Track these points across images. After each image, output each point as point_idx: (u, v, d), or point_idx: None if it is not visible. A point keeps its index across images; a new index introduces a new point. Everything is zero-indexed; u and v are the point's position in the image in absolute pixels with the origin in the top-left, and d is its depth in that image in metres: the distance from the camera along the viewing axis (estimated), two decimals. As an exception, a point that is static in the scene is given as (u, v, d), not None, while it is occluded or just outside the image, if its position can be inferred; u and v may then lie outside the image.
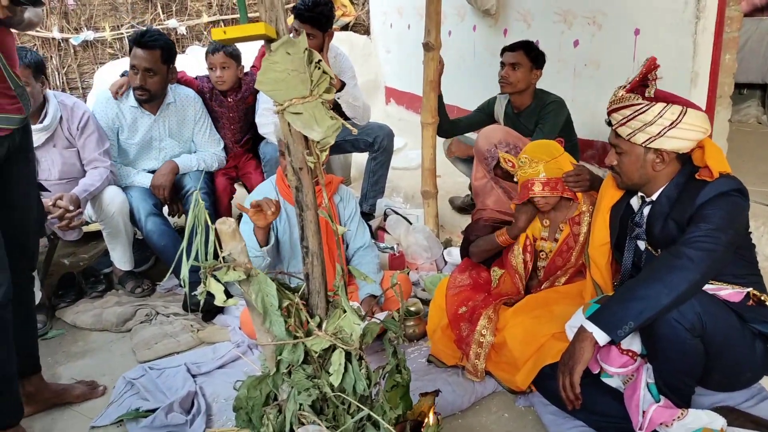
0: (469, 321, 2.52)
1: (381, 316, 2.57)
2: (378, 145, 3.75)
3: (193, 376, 2.58)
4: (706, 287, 1.98)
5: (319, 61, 1.38)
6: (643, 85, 2.02)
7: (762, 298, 2.05)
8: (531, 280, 2.71)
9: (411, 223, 3.58)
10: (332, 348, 1.49)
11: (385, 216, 3.70)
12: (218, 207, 3.55)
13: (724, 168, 1.97)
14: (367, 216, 3.84)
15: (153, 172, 3.46)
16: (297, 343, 1.46)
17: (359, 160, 4.71)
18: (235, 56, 3.55)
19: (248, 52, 3.74)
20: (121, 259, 3.33)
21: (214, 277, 1.33)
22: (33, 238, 2.29)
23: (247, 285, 1.39)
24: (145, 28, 3.34)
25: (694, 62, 2.90)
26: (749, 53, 4.43)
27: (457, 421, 2.27)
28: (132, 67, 3.26)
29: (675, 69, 2.96)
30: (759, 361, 2.03)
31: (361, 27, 6.26)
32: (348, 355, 1.51)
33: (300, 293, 1.49)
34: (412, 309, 2.89)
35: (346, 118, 3.76)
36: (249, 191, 3.59)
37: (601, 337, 1.87)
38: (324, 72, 1.39)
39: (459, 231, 3.68)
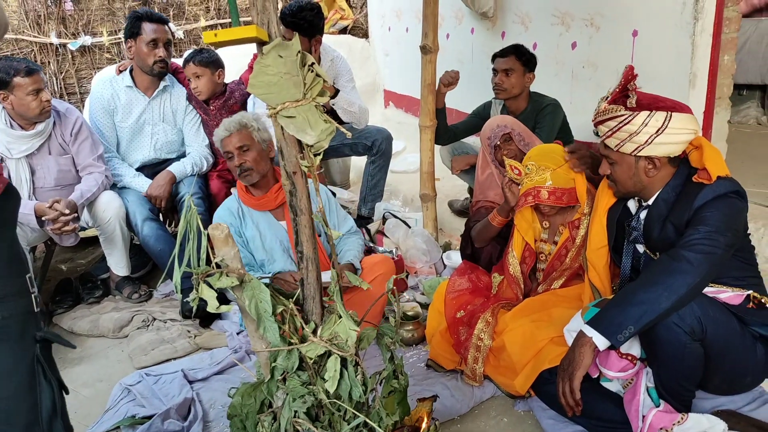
0: (467, 325, 2.51)
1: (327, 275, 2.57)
2: (376, 148, 3.73)
3: (190, 382, 2.56)
4: (706, 290, 1.96)
5: (312, 64, 1.37)
6: (624, 95, 2.01)
7: (762, 300, 2.03)
8: (531, 282, 2.70)
9: (410, 227, 3.57)
10: (328, 354, 1.47)
11: (384, 220, 3.69)
12: (214, 210, 3.53)
13: (722, 171, 1.96)
14: (366, 220, 3.82)
15: (145, 167, 3.48)
16: (292, 350, 1.44)
17: (358, 163, 4.70)
18: (209, 63, 3.45)
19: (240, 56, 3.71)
20: (117, 264, 3.31)
21: (207, 283, 1.31)
22: None
23: (240, 291, 1.37)
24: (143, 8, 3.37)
25: (693, 63, 2.88)
26: (748, 54, 4.41)
27: (456, 426, 2.25)
28: (153, 41, 3.29)
29: (673, 70, 2.94)
30: (760, 364, 2.01)
31: (360, 30, 6.25)
32: (344, 361, 1.49)
33: (294, 299, 1.48)
34: (410, 313, 2.87)
35: (343, 123, 3.75)
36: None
37: (601, 342, 1.86)
38: (317, 75, 1.37)
39: (458, 234, 3.66)
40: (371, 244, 3.49)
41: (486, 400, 2.39)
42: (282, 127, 1.37)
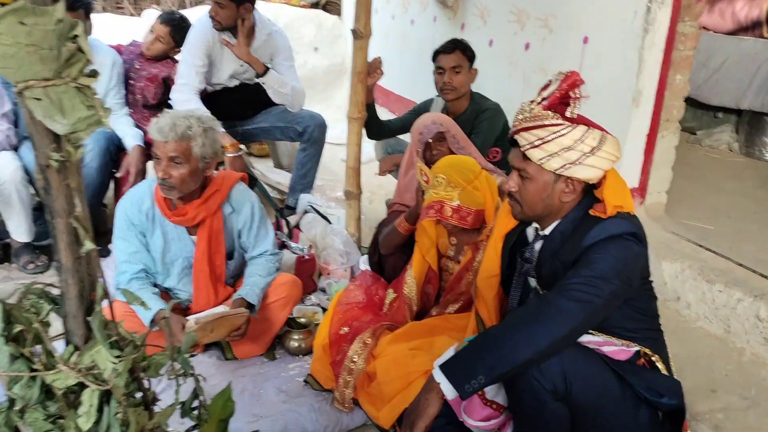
0: (350, 343, 2.28)
1: (218, 309, 2.31)
2: (308, 135, 3.47)
3: None
4: (590, 339, 1.73)
5: (76, 37, 1.11)
6: (564, 103, 1.72)
7: (653, 358, 1.79)
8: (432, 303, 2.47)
9: (330, 223, 3.32)
10: (84, 385, 1.23)
11: (305, 213, 3.43)
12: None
13: (622, 203, 1.70)
14: (292, 210, 3.58)
15: None
16: (35, 377, 1.20)
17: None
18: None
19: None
20: (17, 229, 3.07)
21: None
22: None
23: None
24: None
25: (639, 80, 2.60)
26: (725, 75, 4.11)
27: (315, 453, 2.04)
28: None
29: (618, 85, 2.67)
30: (643, 430, 1.77)
31: (335, 6, 5.92)
32: (108, 394, 1.25)
33: (43, 316, 1.23)
34: (302, 321, 2.64)
35: (274, 104, 3.50)
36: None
37: (449, 390, 1.61)
38: (80, 50, 1.12)
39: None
40: (285, 239, 3.25)
41: (355, 428, 2.18)
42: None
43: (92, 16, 3.25)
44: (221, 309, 2.34)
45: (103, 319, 1.28)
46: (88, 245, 1.17)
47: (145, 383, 1.40)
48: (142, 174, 3.21)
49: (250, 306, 2.38)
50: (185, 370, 1.41)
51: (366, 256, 3.23)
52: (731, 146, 4.31)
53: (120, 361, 1.27)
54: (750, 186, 3.61)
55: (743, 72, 4.03)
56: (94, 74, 1.17)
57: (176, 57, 3.48)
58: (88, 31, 3.05)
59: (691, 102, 2.75)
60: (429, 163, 2.84)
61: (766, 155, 4.08)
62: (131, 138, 3.23)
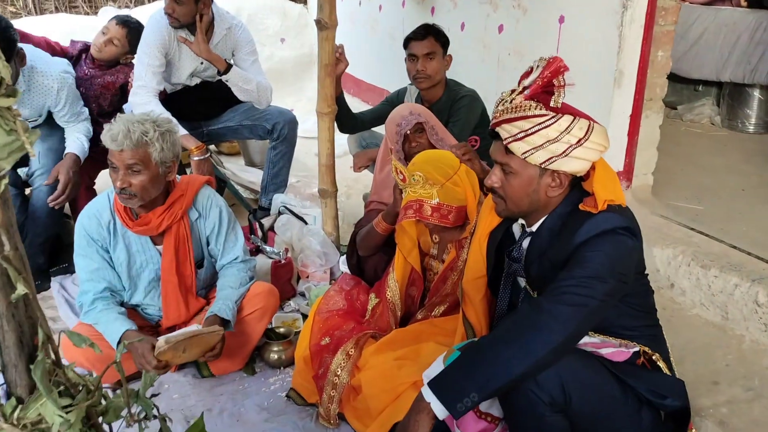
0: (333, 354, 2.16)
1: (191, 328, 2.18)
2: (277, 133, 3.31)
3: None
4: (587, 341, 1.63)
5: (-12, 51, 0.96)
6: (547, 91, 1.59)
7: (653, 357, 1.69)
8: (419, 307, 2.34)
9: (306, 223, 3.17)
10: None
11: (280, 214, 3.28)
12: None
13: (613, 197, 1.59)
14: (265, 211, 3.43)
15: None
16: (-29, 438, 1.06)
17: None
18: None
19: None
20: None
21: None
22: None
23: None
24: None
25: (619, 59, 2.49)
26: (705, 47, 4.01)
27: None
28: None
29: (598, 66, 2.56)
30: (646, 432, 1.68)
31: (301, -6, 5.73)
32: (60, 449, 1.11)
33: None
34: (281, 330, 2.51)
35: (240, 102, 3.34)
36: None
37: (440, 410, 1.50)
38: (-7, 67, 0.97)
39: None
40: (259, 243, 3.11)
41: (341, 445, 2.05)
42: (-59, 138, 0.96)
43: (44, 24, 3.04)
44: (194, 327, 2.20)
45: (49, 367, 1.14)
46: (21, 289, 1.03)
47: (106, 427, 1.27)
48: (76, 185, 2.86)
49: (224, 322, 2.24)
50: (147, 413, 1.27)
51: (345, 257, 3.11)
52: (713, 120, 4.23)
53: (70, 411, 1.14)
54: (735, 160, 3.53)
55: (723, 43, 3.93)
56: (13, 93, 1.02)
57: (132, 62, 3.28)
58: (21, 62, 2.68)
59: (670, 76, 2.62)
60: (408, 155, 2.71)
61: (749, 127, 4.00)
62: (71, 145, 2.92)
